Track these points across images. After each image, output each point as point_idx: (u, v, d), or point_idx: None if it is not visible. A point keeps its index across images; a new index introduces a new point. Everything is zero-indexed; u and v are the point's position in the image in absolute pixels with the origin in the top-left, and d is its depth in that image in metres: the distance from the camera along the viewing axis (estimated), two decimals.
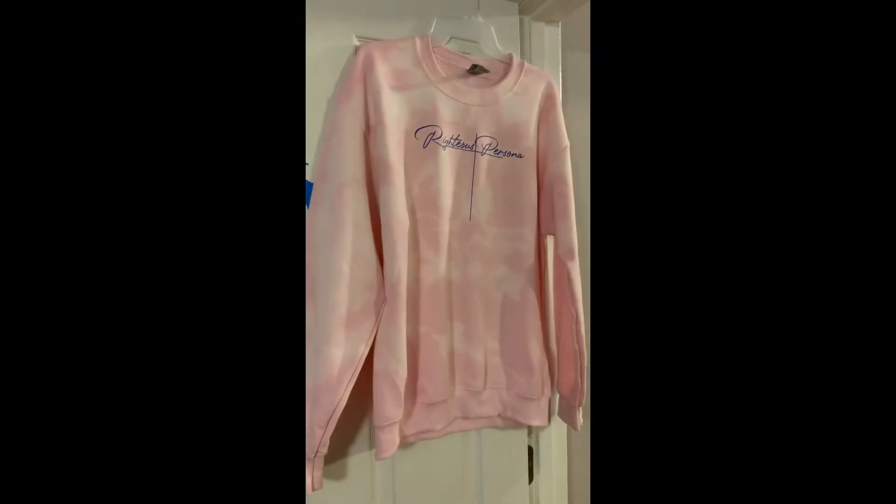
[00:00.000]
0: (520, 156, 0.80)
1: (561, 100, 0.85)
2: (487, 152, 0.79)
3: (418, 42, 0.74)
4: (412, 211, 0.73)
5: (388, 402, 0.68)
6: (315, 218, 0.69)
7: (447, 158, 0.75)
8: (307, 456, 0.64)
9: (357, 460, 0.78)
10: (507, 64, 0.80)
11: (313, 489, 0.65)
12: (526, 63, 0.82)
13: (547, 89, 0.82)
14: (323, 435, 0.63)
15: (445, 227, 0.76)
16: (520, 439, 0.92)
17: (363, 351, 0.67)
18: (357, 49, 0.73)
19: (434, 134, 0.74)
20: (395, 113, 0.71)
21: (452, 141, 0.76)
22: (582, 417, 0.85)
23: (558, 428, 0.97)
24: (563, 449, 0.99)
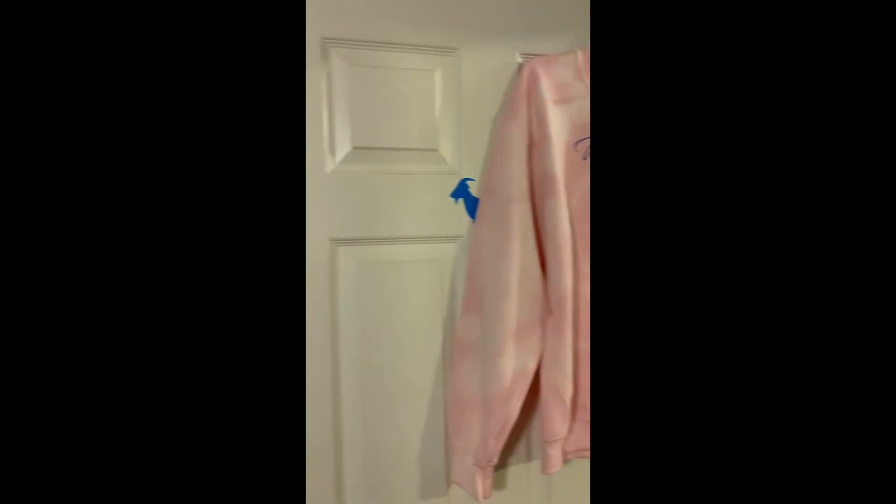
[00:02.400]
0: None
1: None
2: None
3: (580, 54, 0.74)
4: (571, 224, 0.73)
5: (557, 418, 0.68)
6: (481, 232, 0.71)
7: None
8: (480, 464, 0.66)
9: (515, 471, 0.78)
10: None
11: (484, 497, 0.66)
12: None
13: None
14: (496, 445, 0.65)
15: None
16: None
17: (532, 365, 0.67)
18: (520, 66, 0.75)
19: None
20: (557, 126, 0.71)
21: None
22: None
23: None
24: None
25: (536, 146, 0.70)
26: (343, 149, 0.69)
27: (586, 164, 0.73)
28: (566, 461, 0.78)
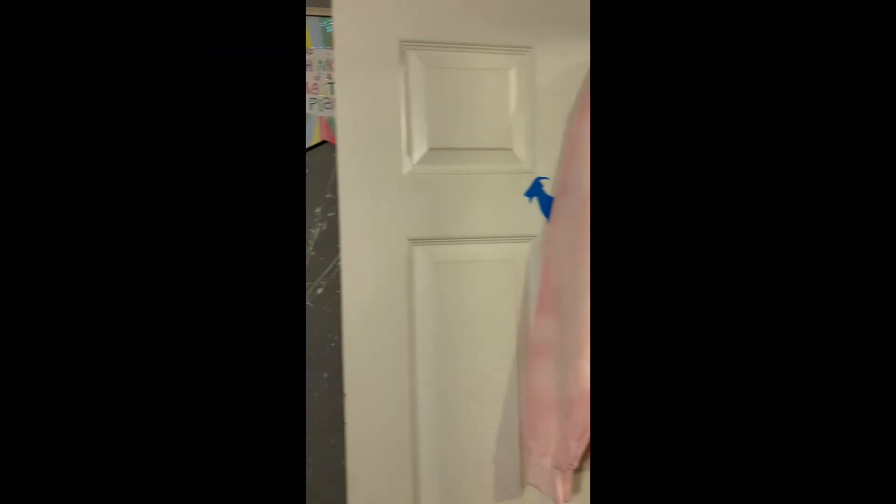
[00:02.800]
0: None
1: None
2: None
3: None
4: None
5: None
6: (556, 231, 0.70)
7: None
8: (561, 467, 0.65)
9: (589, 476, 0.77)
10: None
11: (564, 500, 0.65)
12: None
13: None
14: (578, 447, 0.63)
15: None
16: None
17: None
18: None
19: None
20: None
21: None
22: None
23: None
24: None
25: None
26: (420, 150, 0.70)
27: None
28: None
